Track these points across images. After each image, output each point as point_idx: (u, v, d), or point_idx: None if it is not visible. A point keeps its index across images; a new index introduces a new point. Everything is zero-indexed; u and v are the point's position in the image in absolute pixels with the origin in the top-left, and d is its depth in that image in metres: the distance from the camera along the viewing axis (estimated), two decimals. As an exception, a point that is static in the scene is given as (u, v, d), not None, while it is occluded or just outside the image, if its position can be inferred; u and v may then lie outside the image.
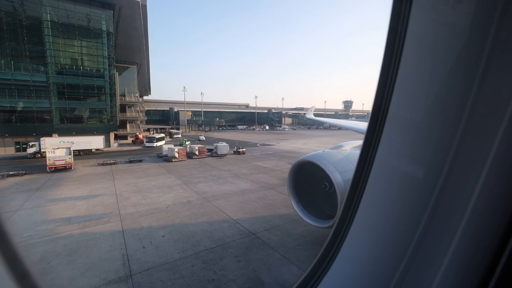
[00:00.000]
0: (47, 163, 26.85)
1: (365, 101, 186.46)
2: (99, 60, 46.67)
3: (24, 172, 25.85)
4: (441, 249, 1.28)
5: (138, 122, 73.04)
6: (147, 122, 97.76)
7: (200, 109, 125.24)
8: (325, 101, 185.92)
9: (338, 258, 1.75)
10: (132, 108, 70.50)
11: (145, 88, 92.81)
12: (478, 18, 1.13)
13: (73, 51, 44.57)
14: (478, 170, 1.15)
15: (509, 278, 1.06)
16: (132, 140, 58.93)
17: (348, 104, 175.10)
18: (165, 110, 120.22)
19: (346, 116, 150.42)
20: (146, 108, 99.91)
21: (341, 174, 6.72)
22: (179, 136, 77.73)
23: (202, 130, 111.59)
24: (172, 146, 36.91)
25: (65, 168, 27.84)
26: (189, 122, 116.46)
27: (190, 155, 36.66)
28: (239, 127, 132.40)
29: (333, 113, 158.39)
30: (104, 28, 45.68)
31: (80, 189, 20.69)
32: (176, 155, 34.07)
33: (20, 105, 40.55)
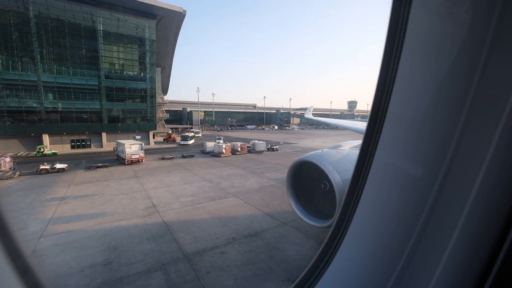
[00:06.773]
0: (126, 157, 31.39)
1: (369, 101, 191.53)
2: (142, 65, 51.34)
3: (107, 164, 30.38)
4: (439, 247, 1.29)
5: (163, 122, 77.53)
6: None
7: (211, 109, 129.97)
8: (331, 101, 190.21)
9: (337, 256, 1.77)
10: (158, 108, 75.00)
11: (162, 89, 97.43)
12: (477, 17, 1.14)
13: (121, 57, 49.04)
14: (476, 168, 1.16)
15: (506, 277, 1.08)
16: (164, 139, 63.34)
17: (352, 104, 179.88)
18: (177, 110, 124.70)
19: (352, 116, 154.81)
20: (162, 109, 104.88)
21: (339, 174, 6.75)
22: (200, 135, 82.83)
23: (214, 130, 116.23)
24: (214, 143, 41.62)
25: (138, 161, 32.37)
26: (202, 122, 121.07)
27: (233, 151, 41.29)
28: (248, 127, 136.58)
29: (339, 113, 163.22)
30: (147, 36, 50.21)
31: (171, 177, 25.14)
32: (224, 151, 38.67)
33: (77, 107, 44.94)
